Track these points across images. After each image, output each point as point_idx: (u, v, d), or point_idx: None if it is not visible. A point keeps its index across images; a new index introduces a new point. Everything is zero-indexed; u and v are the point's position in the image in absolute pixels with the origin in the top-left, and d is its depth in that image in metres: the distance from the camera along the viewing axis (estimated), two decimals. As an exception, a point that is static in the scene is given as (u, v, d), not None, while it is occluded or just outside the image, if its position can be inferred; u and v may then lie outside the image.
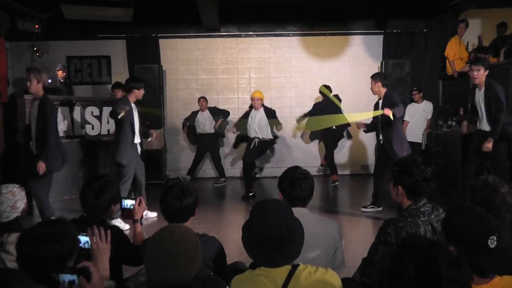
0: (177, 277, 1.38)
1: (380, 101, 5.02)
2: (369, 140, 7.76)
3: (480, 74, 4.51)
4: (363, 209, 5.26)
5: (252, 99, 6.22)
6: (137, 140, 5.07)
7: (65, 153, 4.44)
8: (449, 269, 1.10)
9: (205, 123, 7.32)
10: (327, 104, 6.62)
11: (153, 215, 5.13)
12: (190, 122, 7.46)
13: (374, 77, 5.06)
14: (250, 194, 6.18)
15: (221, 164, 7.51)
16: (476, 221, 1.54)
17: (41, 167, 4.06)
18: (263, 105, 6.22)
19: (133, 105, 5.02)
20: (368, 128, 5.31)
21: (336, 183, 6.86)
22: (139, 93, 5.05)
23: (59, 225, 1.63)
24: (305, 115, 7.27)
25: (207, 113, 7.35)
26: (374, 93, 5.07)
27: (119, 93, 6.20)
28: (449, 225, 1.62)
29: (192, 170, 7.52)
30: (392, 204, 4.82)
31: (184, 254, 1.41)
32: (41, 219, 4.29)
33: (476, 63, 4.59)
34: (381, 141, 5.07)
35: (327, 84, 7.12)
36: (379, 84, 4.96)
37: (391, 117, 4.65)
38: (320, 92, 7.00)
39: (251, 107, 6.31)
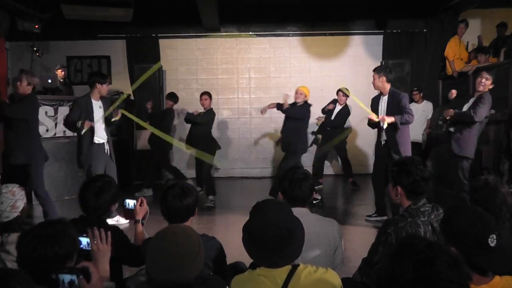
0: (179, 278, 1.38)
1: (384, 98, 4.60)
2: (363, 139, 7.73)
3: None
4: (368, 218, 4.94)
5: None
6: (100, 139, 4.76)
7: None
8: (447, 270, 1.10)
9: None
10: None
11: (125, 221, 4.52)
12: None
13: (378, 70, 4.58)
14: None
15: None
16: (476, 220, 1.54)
17: None
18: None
19: (95, 102, 4.73)
20: (371, 125, 4.82)
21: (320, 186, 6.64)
22: (101, 89, 4.75)
23: (59, 225, 1.63)
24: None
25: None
26: (376, 88, 4.58)
27: (169, 103, 6.58)
28: (448, 225, 1.61)
29: (200, 180, 6.61)
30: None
31: (187, 255, 1.41)
32: (44, 218, 4.38)
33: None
34: (383, 142, 4.64)
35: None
36: (384, 78, 4.50)
37: (385, 124, 4.29)
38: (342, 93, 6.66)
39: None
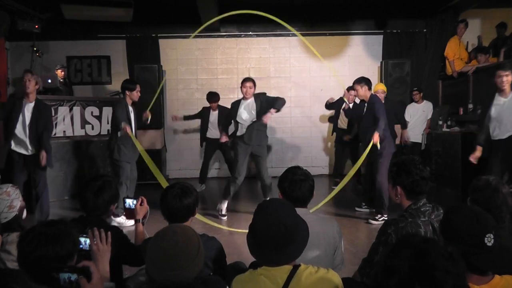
0: (178, 277, 1.37)
1: (365, 106, 4.82)
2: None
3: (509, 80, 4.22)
4: (358, 209, 5.33)
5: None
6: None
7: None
8: (443, 261, 1.11)
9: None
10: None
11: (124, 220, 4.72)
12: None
13: (360, 81, 4.76)
14: None
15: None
16: (471, 219, 1.54)
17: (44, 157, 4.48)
18: None
19: (130, 107, 5.03)
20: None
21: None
22: (132, 95, 4.99)
23: (60, 225, 1.63)
24: None
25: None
26: (360, 97, 4.80)
27: (214, 105, 6.68)
28: (446, 226, 1.61)
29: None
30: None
31: (185, 255, 1.41)
32: (40, 215, 4.55)
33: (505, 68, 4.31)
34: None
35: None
36: (366, 87, 4.73)
37: (378, 145, 4.51)
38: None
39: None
